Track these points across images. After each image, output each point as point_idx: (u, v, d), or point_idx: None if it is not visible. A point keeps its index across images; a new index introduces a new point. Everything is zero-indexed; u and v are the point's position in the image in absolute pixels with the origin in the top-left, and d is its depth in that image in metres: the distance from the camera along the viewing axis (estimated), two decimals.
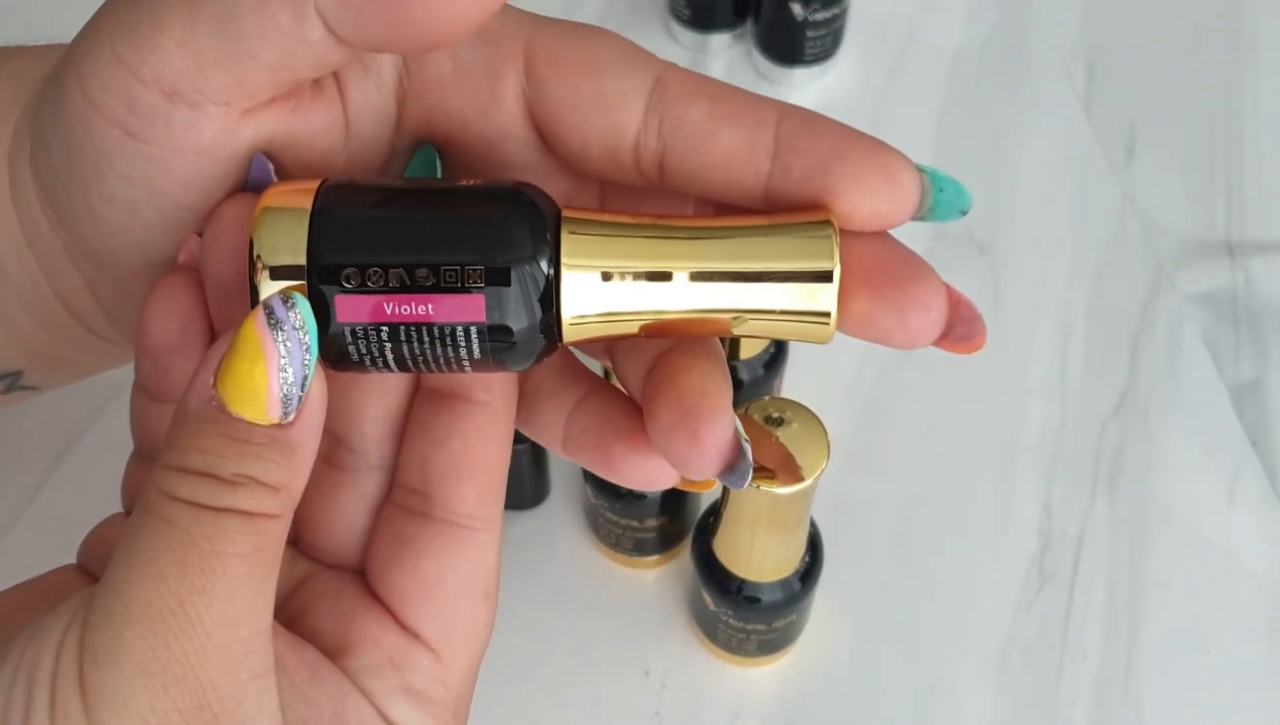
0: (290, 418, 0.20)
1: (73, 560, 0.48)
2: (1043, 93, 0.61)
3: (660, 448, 0.21)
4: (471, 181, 0.21)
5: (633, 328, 0.21)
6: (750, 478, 0.21)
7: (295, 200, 0.21)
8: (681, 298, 0.21)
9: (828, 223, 0.20)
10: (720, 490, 0.38)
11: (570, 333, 0.21)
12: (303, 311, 0.20)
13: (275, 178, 0.22)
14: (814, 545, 0.40)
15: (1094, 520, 0.47)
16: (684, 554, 0.46)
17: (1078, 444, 0.49)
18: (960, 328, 0.22)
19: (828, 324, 0.21)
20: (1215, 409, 0.50)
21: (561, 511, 0.47)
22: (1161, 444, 0.49)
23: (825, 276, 0.20)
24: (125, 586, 0.19)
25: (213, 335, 0.24)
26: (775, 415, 0.35)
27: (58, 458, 0.48)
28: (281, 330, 0.20)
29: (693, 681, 0.44)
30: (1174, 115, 0.60)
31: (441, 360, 0.21)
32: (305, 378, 0.20)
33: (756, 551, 0.38)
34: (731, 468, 0.21)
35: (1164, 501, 0.48)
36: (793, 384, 0.49)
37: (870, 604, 0.45)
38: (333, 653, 0.23)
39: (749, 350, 0.44)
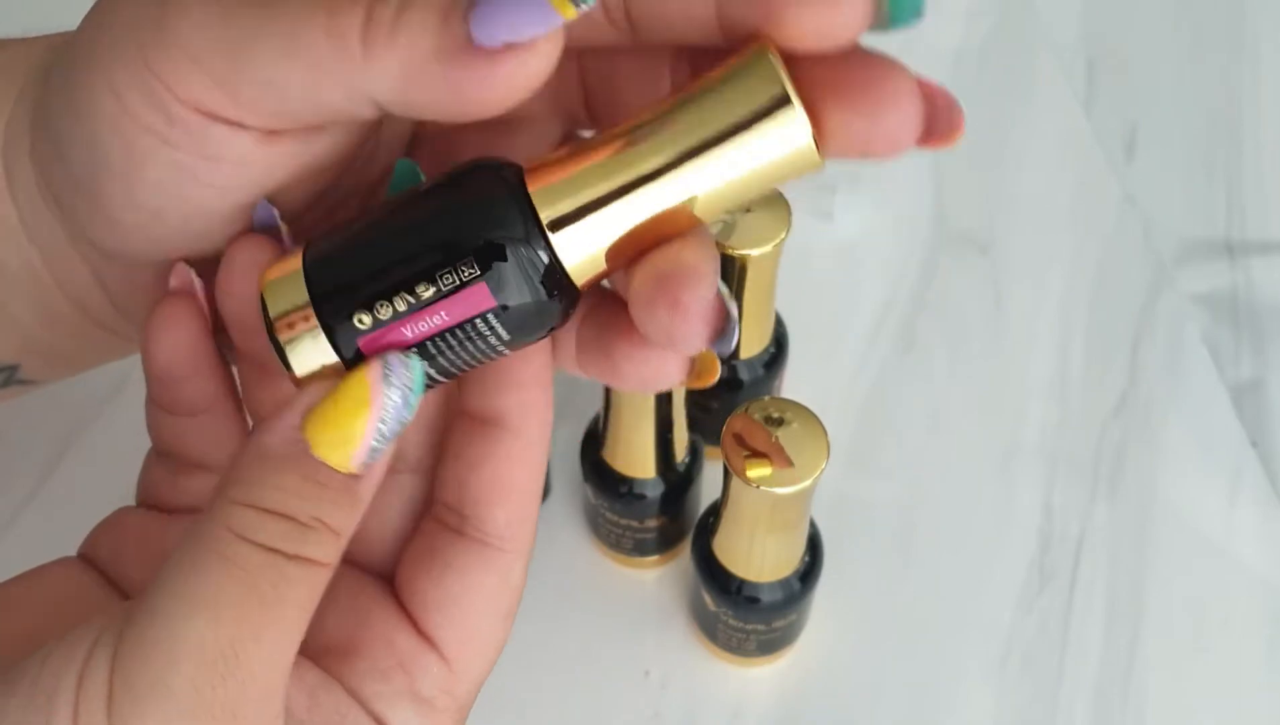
0: (365, 471, 0.20)
1: (75, 552, 0.48)
2: (1043, 92, 0.61)
3: (646, 329, 0.21)
4: (434, 178, 0.21)
5: (635, 243, 0.21)
6: (736, 336, 0.21)
7: (289, 264, 0.21)
8: (667, 193, 0.20)
9: (762, 49, 0.19)
10: (720, 490, 0.38)
11: (581, 274, 0.21)
12: (415, 374, 0.20)
13: (280, 221, 0.23)
14: (814, 545, 0.40)
15: (1094, 520, 0.47)
16: (684, 554, 0.46)
17: (1078, 444, 0.49)
18: (940, 121, 0.20)
19: (809, 147, 0.20)
20: (1215, 409, 0.50)
21: (561, 511, 0.47)
22: (1162, 444, 0.49)
23: (782, 101, 0.19)
24: (177, 622, 0.19)
25: (218, 356, 0.24)
26: (775, 415, 0.35)
27: (59, 456, 0.48)
28: (393, 387, 0.20)
29: (693, 681, 0.44)
30: (1174, 115, 0.60)
31: (479, 355, 0.21)
32: (394, 436, 0.20)
33: (756, 551, 0.38)
34: (720, 332, 0.20)
35: (1164, 501, 0.48)
36: (793, 384, 0.49)
37: (870, 604, 0.45)
38: (343, 651, 0.23)
39: (749, 350, 0.44)
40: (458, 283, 0.20)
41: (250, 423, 0.25)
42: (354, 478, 0.20)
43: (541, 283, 0.20)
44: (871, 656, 0.44)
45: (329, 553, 0.20)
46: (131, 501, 0.47)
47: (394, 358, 0.20)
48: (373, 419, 0.20)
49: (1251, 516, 0.47)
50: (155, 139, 0.21)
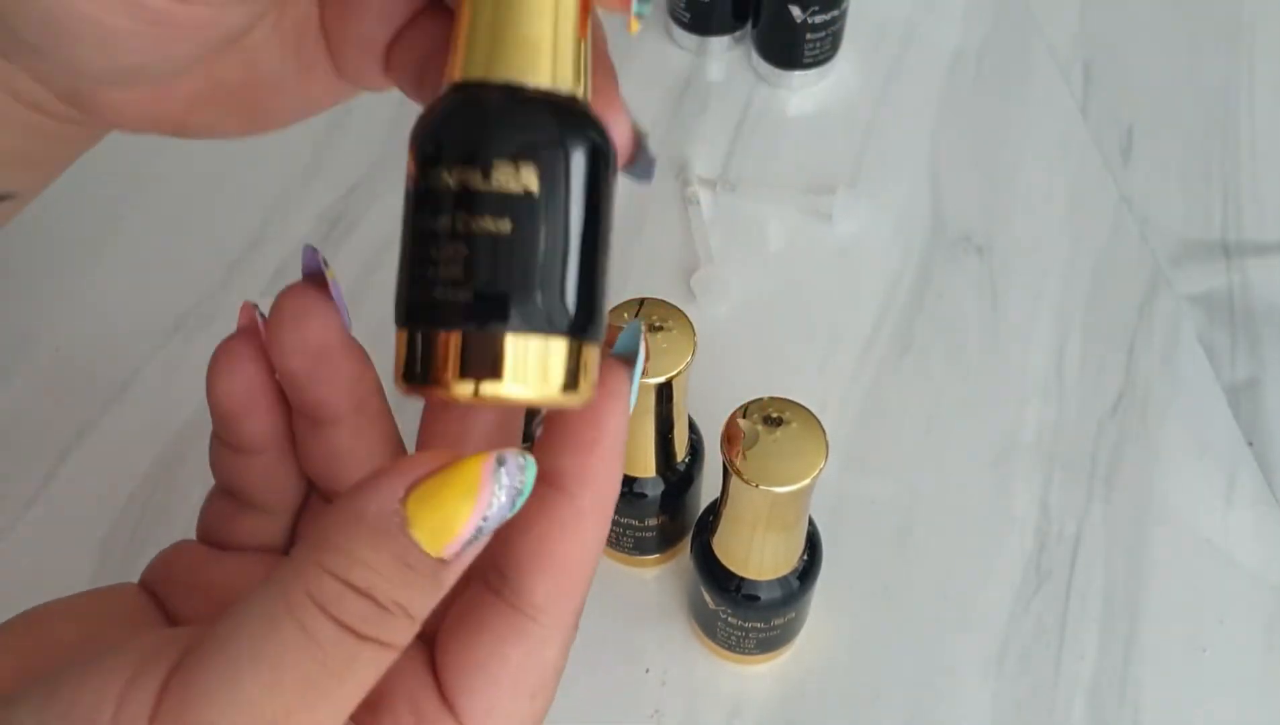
0: (453, 559, 0.20)
1: (80, 555, 0.48)
2: (1040, 94, 0.61)
3: None
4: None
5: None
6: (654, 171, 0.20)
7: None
8: None
9: None
10: (720, 489, 0.38)
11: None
12: (529, 476, 0.20)
13: (326, 267, 0.23)
14: (813, 544, 0.41)
15: (1091, 520, 0.48)
16: (684, 553, 0.46)
17: (1075, 444, 0.49)
18: None
19: None
20: (1212, 409, 0.50)
21: None
22: (1158, 444, 0.49)
23: None
24: (237, 676, 0.18)
25: (279, 397, 0.24)
26: (775, 415, 0.35)
27: (63, 456, 0.48)
28: (503, 486, 0.19)
29: (692, 679, 0.44)
30: (1171, 116, 0.61)
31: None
32: (491, 532, 0.20)
33: (755, 550, 0.38)
34: (634, 159, 0.20)
35: (1161, 501, 0.48)
36: (792, 384, 0.49)
37: (868, 602, 0.46)
38: (367, 701, 0.22)
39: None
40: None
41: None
42: (441, 563, 0.19)
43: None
44: (869, 654, 0.44)
45: (402, 638, 0.19)
46: (135, 501, 0.47)
47: (511, 457, 0.19)
48: (476, 514, 0.19)
49: (1247, 516, 0.48)
50: (128, 20, 0.21)
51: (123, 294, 0.54)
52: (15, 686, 0.20)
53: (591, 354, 0.20)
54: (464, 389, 0.19)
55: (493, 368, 0.19)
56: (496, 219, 0.19)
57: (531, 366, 0.20)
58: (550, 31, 0.20)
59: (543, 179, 0.19)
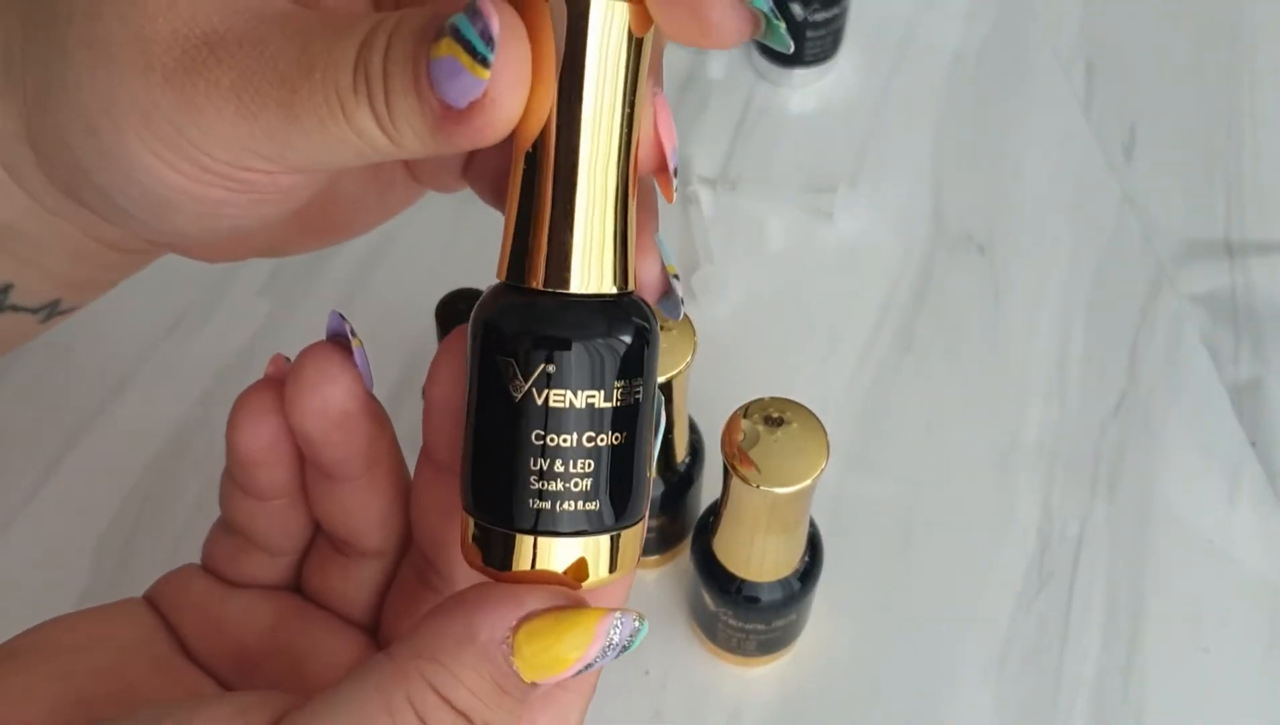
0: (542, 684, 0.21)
1: (77, 553, 0.48)
2: (1042, 93, 0.61)
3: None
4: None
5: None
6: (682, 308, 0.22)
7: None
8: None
9: None
10: (720, 490, 0.38)
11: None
12: (638, 637, 0.21)
13: (351, 332, 0.23)
14: (813, 545, 0.40)
15: (1093, 520, 0.47)
16: (684, 554, 0.46)
17: (1077, 444, 0.49)
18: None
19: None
20: (1215, 409, 0.50)
21: None
22: (1161, 444, 0.49)
23: None
24: None
25: (297, 448, 0.24)
26: (775, 415, 0.35)
27: (61, 455, 0.48)
28: (612, 646, 0.21)
29: (692, 681, 0.44)
30: (1173, 115, 0.60)
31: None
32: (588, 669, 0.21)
33: (756, 551, 0.38)
34: (666, 295, 0.22)
35: (1163, 502, 0.48)
36: (793, 384, 0.49)
37: (869, 604, 0.45)
38: None
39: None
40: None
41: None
42: (533, 687, 0.20)
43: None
44: (871, 656, 0.44)
45: None
46: (132, 499, 0.47)
47: (628, 618, 0.21)
48: (583, 661, 0.20)
49: (1250, 516, 0.47)
50: (223, 191, 0.21)
51: (119, 292, 0.53)
52: (48, 721, 0.21)
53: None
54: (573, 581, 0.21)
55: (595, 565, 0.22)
56: (618, 433, 0.21)
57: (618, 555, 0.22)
58: (608, 232, 0.21)
59: (645, 389, 0.22)
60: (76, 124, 0.21)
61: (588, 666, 0.20)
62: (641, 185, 0.22)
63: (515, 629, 0.20)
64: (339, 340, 0.23)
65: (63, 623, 0.25)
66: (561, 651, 0.20)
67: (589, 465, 0.21)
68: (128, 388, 0.50)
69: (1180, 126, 0.60)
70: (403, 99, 0.20)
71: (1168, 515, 0.47)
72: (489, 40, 0.19)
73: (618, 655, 0.21)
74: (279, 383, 0.24)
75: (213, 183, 0.21)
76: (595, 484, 0.21)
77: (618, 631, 0.20)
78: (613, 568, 0.22)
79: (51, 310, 0.28)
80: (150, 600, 0.26)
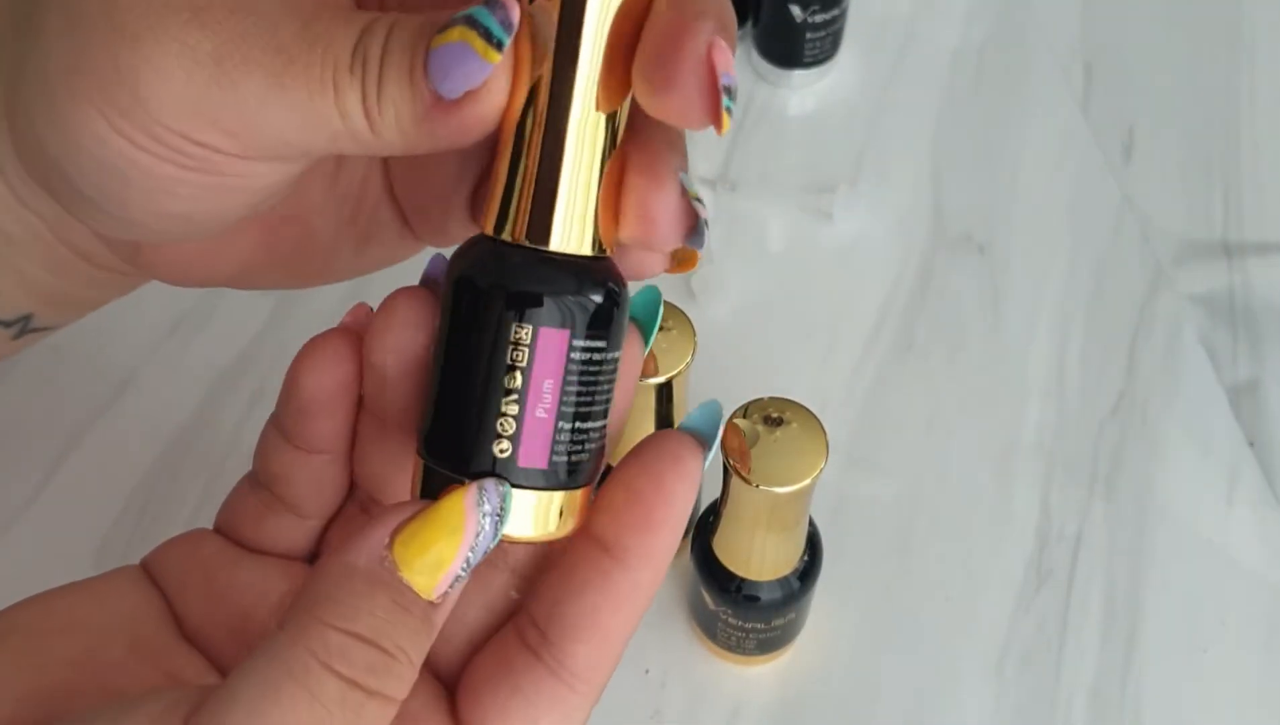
0: (442, 600, 0.20)
1: (79, 554, 0.48)
2: (1041, 94, 0.61)
3: (624, 238, 0.22)
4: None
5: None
6: (707, 234, 0.22)
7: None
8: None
9: None
10: (720, 489, 0.38)
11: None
12: (507, 502, 0.20)
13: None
14: (813, 544, 0.40)
15: (1092, 520, 0.47)
16: (684, 553, 0.46)
17: (1076, 444, 0.49)
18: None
19: None
20: (1213, 409, 0.50)
21: None
22: (1159, 444, 0.49)
23: None
24: None
25: (357, 400, 0.24)
26: (774, 415, 0.35)
27: (64, 453, 0.48)
28: (486, 514, 0.20)
29: (692, 680, 0.44)
30: (1172, 116, 0.60)
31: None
32: (474, 566, 0.20)
33: (756, 551, 0.38)
34: (692, 231, 0.22)
35: (1162, 501, 0.48)
36: (793, 384, 0.49)
37: (869, 603, 0.45)
38: None
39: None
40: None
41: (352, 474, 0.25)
42: (432, 606, 0.20)
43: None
44: (870, 655, 0.44)
45: (404, 687, 0.19)
46: (134, 500, 0.47)
47: (490, 485, 0.20)
48: (464, 546, 0.20)
49: (1248, 516, 0.48)
50: (173, 166, 0.21)
51: None
52: (16, 714, 0.20)
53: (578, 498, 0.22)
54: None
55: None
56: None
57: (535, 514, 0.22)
58: (580, 198, 0.21)
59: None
60: (37, 91, 0.21)
61: (472, 553, 0.20)
62: (664, 125, 0.22)
63: (390, 545, 0.19)
64: (432, 285, 0.23)
65: (40, 604, 0.24)
66: (439, 542, 0.20)
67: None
68: (130, 388, 0.50)
69: (1179, 128, 0.60)
70: (395, 86, 0.20)
71: (1166, 515, 0.48)
72: (509, 27, 0.19)
73: (495, 534, 0.20)
74: (354, 333, 0.23)
75: (163, 155, 0.21)
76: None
77: (487, 501, 0.20)
78: (548, 527, 0.22)
79: (24, 326, 0.28)
80: (148, 566, 0.25)
